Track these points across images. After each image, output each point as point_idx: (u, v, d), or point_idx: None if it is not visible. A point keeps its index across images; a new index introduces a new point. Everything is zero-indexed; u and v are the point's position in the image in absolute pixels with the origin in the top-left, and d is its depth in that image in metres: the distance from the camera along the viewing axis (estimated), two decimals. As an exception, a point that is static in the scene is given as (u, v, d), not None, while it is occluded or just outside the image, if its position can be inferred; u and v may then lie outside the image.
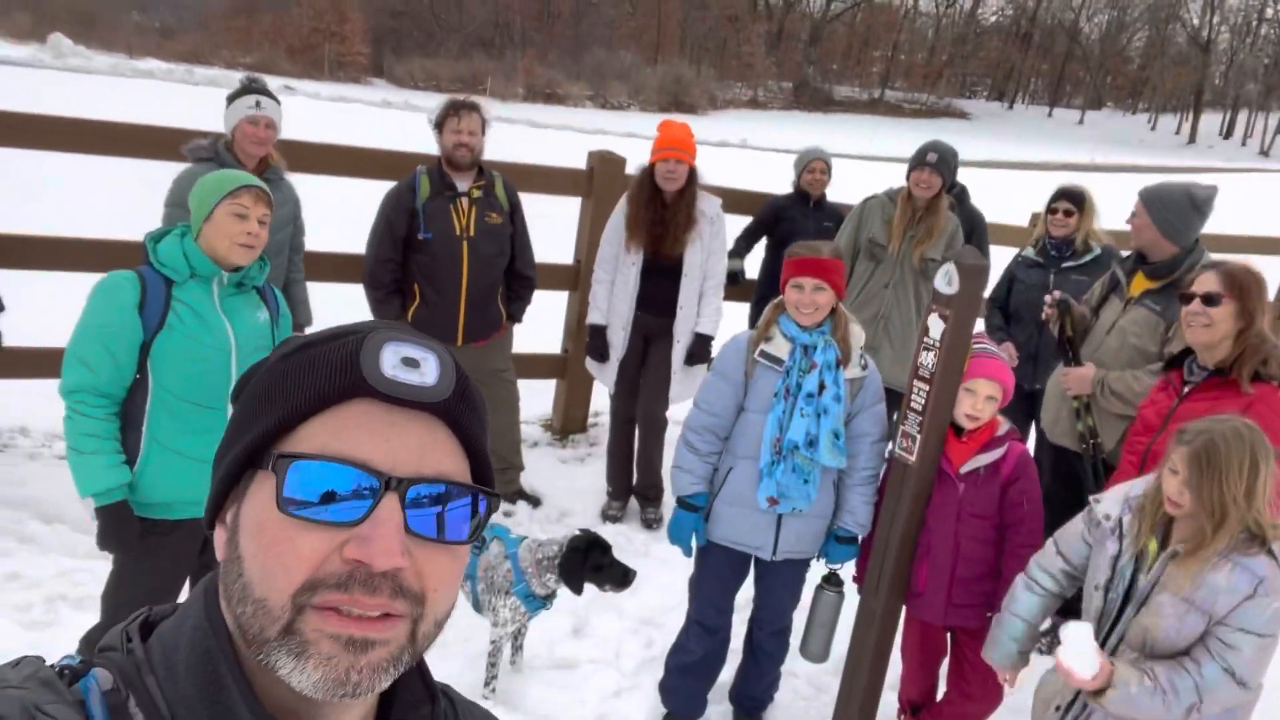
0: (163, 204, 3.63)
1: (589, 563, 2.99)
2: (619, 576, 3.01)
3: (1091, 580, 2.40)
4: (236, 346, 2.42)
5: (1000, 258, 4.47)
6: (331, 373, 0.68)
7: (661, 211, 4.22)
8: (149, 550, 2.42)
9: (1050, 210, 4.41)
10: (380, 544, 0.64)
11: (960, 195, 5.13)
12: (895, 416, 3.00)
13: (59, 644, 2.99)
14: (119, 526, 2.36)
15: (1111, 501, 2.40)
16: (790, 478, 2.81)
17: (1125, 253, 3.83)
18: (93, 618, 3.07)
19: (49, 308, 4.11)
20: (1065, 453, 3.64)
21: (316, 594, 0.64)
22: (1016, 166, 28.33)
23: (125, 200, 6.18)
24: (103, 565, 3.46)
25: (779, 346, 2.84)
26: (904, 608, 3.02)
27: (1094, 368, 3.44)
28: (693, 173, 4.25)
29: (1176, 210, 3.37)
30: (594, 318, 4.45)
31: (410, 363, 0.69)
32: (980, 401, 2.73)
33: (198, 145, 3.72)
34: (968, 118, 65.93)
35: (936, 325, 2.71)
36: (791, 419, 2.79)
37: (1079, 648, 2.17)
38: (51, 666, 0.65)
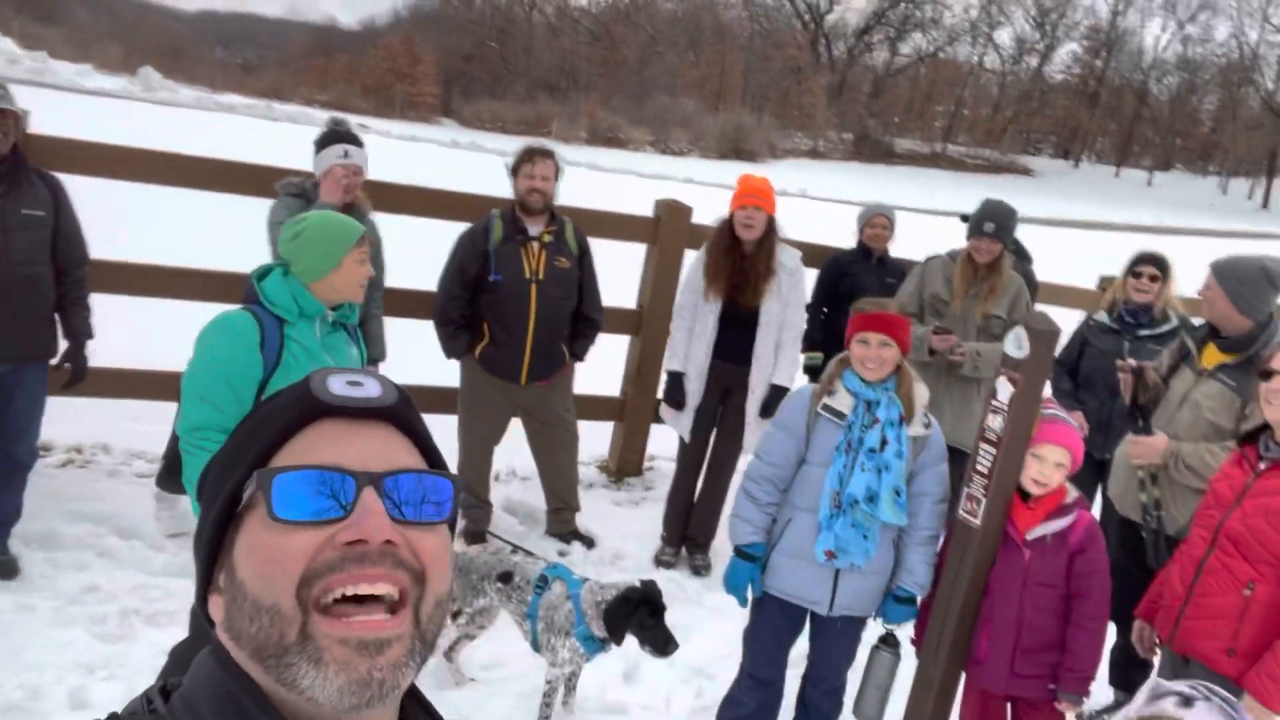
0: (269, 227, 3.81)
1: (635, 618, 2.98)
2: (660, 642, 2.97)
3: None
4: None
5: (1064, 319, 4.43)
6: (288, 407, 0.76)
7: (740, 261, 4.28)
8: None
9: (1134, 274, 4.31)
10: (371, 521, 0.70)
11: (1018, 253, 5.06)
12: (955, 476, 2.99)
13: (132, 657, 3.10)
14: None
15: None
16: (849, 532, 2.81)
17: (1197, 321, 3.77)
18: (165, 633, 3.19)
19: (126, 330, 4.32)
20: (1132, 524, 3.57)
21: (317, 582, 0.69)
22: (1081, 226, 27.94)
23: (209, 230, 6.46)
24: (175, 583, 3.60)
25: (842, 400, 2.87)
26: (963, 674, 2.97)
27: (1165, 438, 3.38)
28: (771, 222, 4.32)
29: (1251, 284, 3.32)
30: (672, 365, 4.50)
31: (354, 383, 0.77)
32: (1048, 468, 2.71)
33: (289, 182, 3.91)
34: (1032, 174, 65.30)
35: (1005, 388, 2.71)
36: (853, 473, 2.81)
37: None
38: None
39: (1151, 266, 4.27)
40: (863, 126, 69.88)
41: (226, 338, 2.45)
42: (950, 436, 3.10)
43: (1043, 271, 5.56)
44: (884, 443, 2.82)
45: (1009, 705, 2.95)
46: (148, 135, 7.32)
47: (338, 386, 0.76)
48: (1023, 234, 5.24)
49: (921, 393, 2.94)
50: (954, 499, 2.93)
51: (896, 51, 78.13)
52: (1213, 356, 3.44)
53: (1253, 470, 2.81)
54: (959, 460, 4.28)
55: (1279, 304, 3.44)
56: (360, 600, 0.70)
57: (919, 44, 78.36)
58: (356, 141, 3.95)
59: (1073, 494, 2.81)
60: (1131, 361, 3.57)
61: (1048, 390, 3.94)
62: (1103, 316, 4.44)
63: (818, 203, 21.91)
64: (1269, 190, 62.49)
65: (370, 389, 0.77)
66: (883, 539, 2.87)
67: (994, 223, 4.41)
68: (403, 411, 0.79)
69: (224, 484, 0.76)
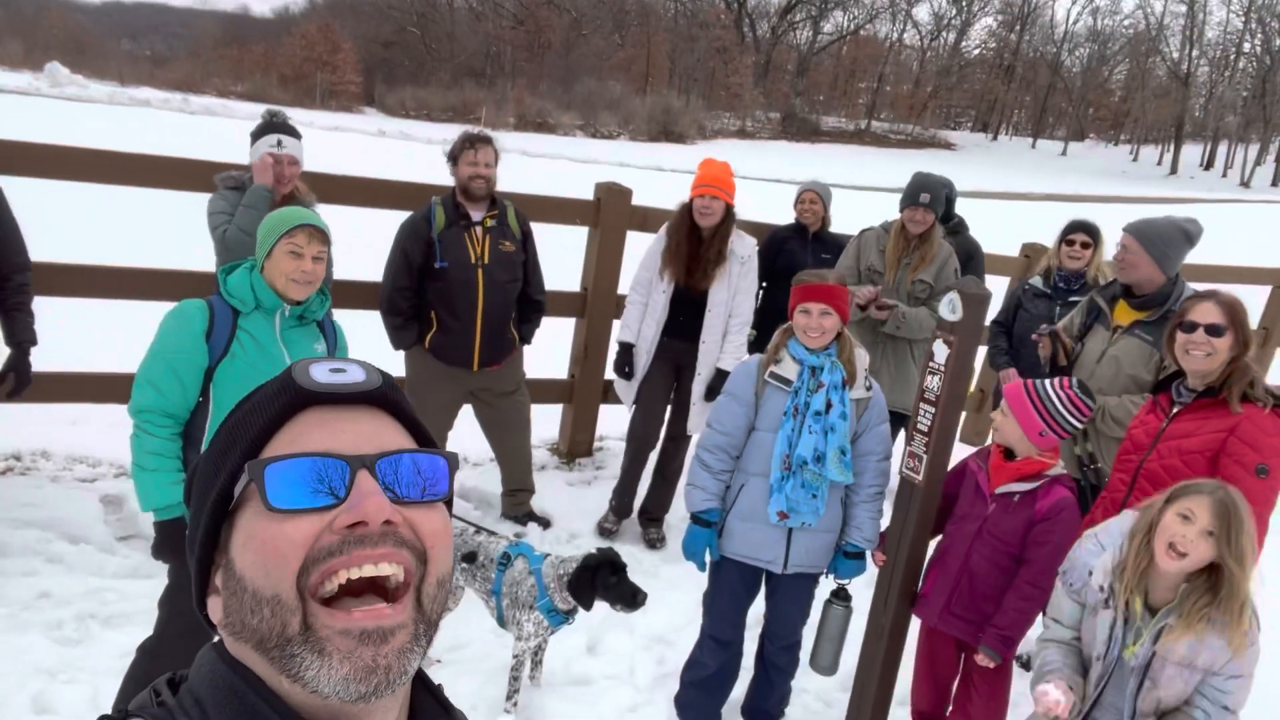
0: (210, 217, 3.77)
1: (598, 580, 3.08)
2: (628, 596, 3.08)
3: (1091, 648, 2.51)
4: None
5: (991, 286, 4.65)
6: (273, 399, 0.75)
7: (695, 245, 4.38)
8: None
9: (1067, 242, 4.55)
10: (371, 501, 0.70)
11: (958, 227, 5.33)
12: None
13: (91, 660, 3.07)
14: (176, 540, 2.47)
15: (1101, 572, 2.49)
16: (800, 493, 2.95)
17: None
18: (124, 635, 3.17)
19: (65, 333, 4.22)
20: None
21: (316, 567, 0.68)
22: (1002, 197, 28.74)
23: (143, 229, 6.30)
24: (130, 584, 3.57)
25: (788, 368, 3.00)
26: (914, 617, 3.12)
27: None
28: (729, 210, 4.41)
29: (1173, 243, 3.53)
30: (623, 335, 4.60)
31: (337, 370, 0.77)
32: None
33: (229, 175, 3.86)
34: (953, 148, 66.83)
35: (941, 350, 2.86)
36: (800, 436, 2.94)
37: None
38: None
39: (1083, 234, 4.52)
40: (789, 105, 70.59)
41: (175, 324, 2.47)
42: (888, 400, 3.24)
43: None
44: (829, 405, 2.95)
45: (961, 656, 3.10)
46: (62, 133, 7.09)
47: (320, 374, 0.75)
48: (959, 206, 5.44)
49: (862, 357, 3.08)
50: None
51: (819, 30, 79.00)
52: (1126, 314, 3.64)
53: (1166, 415, 3.02)
54: (897, 422, 4.48)
55: None
56: (357, 593, 0.70)
57: (840, 22, 79.38)
58: (293, 133, 3.91)
59: (1059, 469, 2.91)
60: (1045, 327, 3.78)
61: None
62: (1037, 281, 4.68)
63: (749, 181, 22.15)
64: (1177, 156, 65.05)
65: (354, 374, 0.77)
66: (831, 498, 3.01)
67: (929, 193, 4.60)
68: (389, 395, 0.78)
69: (213, 484, 0.75)
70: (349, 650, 0.67)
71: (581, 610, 3.15)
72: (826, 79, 77.57)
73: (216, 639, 0.75)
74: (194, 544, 0.76)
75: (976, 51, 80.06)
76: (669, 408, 4.71)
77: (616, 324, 4.83)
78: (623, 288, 5.05)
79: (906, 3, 77.44)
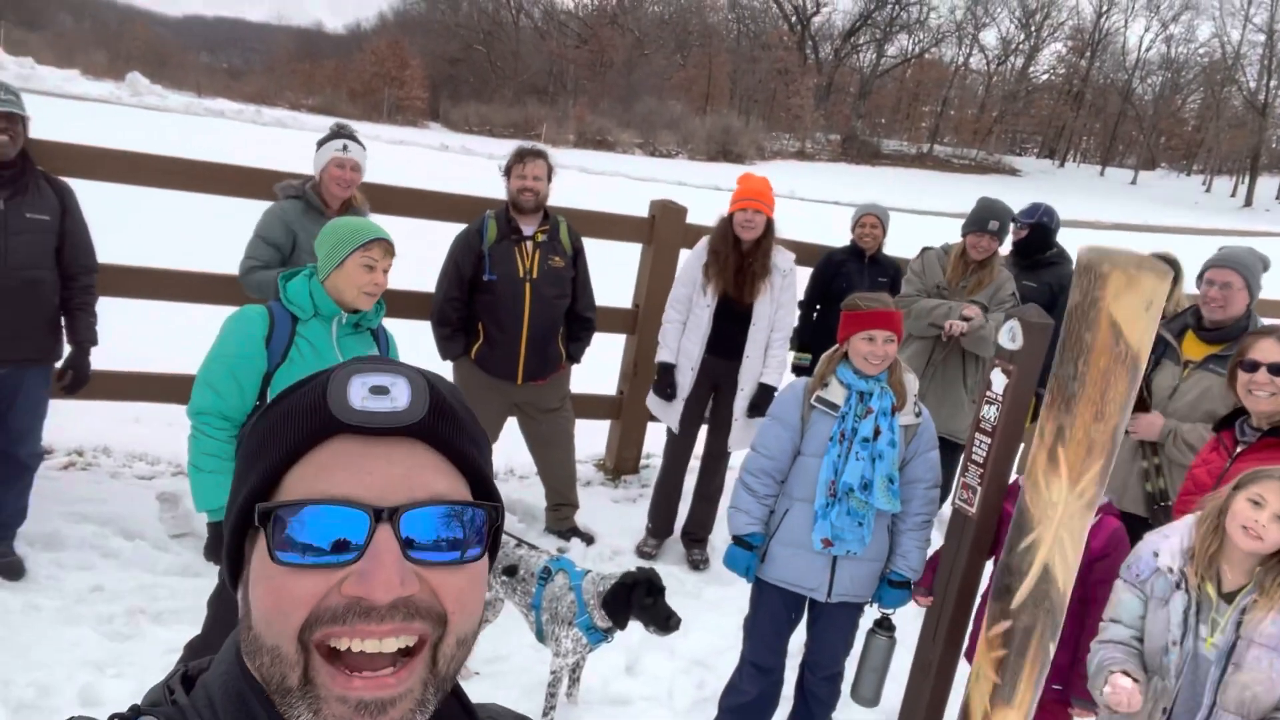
0: (253, 232, 3.85)
1: (634, 600, 3.05)
2: (662, 619, 3.04)
3: (1162, 639, 2.36)
4: None
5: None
6: (303, 418, 0.68)
7: (739, 259, 4.35)
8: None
9: None
10: (378, 577, 0.63)
11: (1058, 257, 5.05)
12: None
13: (140, 655, 3.13)
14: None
15: (1169, 554, 2.40)
16: (845, 520, 2.88)
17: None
18: (172, 632, 3.22)
19: (130, 333, 4.35)
20: (1127, 520, 3.62)
21: (317, 629, 0.64)
22: (1068, 225, 28.12)
23: (206, 234, 6.48)
24: (180, 582, 3.63)
25: (835, 393, 2.95)
26: (965, 661, 3.01)
27: (1162, 416, 3.46)
28: (769, 224, 4.38)
29: (1256, 272, 3.44)
30: (663, 355, 4.56)
31: (379, 390, 0.67)
32: None
33: (288, 184, 3.94)
34: (1018, 174, 65.71)
35: (999, 379, 2.77)
36: (847, 463, 2.88)
37: None
38: None
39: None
40: (850, 128, 70.19)
41: (236, 329, 2.51)
42: (935, 426, 3.16)
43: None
44: (877, 432, 2.89)
45: None
46: (139, 140, 7.35)
47: (358, 398, 0.67)
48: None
49: (912, 383, 3.01)
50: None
51: (883, 53, 78.51)
52: (1196, 348, 3.51)
53: (1229, 454, 2.89)
54: (945, 449, 4.38)
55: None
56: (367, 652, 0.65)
57: (905, 45, 78.79)
58: (357, 141, 3.99)
59: (1103, 498, 2.80)
60: None
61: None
62: None
63: (807, 203, 22.03)
64: (1252, 187, 63.05)
65: (398, 399, 0.68)
66: (877, 526, 2.94)
67: (998, 221, 4.53)
68: (434, 426, 0.69)
69: (239, 490, 0.71)
70: (343, 717, 0.64)
71: (620, 629, 3.12)
72: (889, 102, 76.99)
73: (239, 633, 0.72)
74: (227, 544, 0.74)
75: (1045, 77, 78.77)
76: (704, 425, 4.66)
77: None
78: (675, 306, 5.02)
79: (974, 27, 76.62)
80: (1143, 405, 3.53)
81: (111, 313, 4.06)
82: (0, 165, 3.36)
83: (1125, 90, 74.35)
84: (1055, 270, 5.02)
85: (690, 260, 4.53)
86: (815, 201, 23.62)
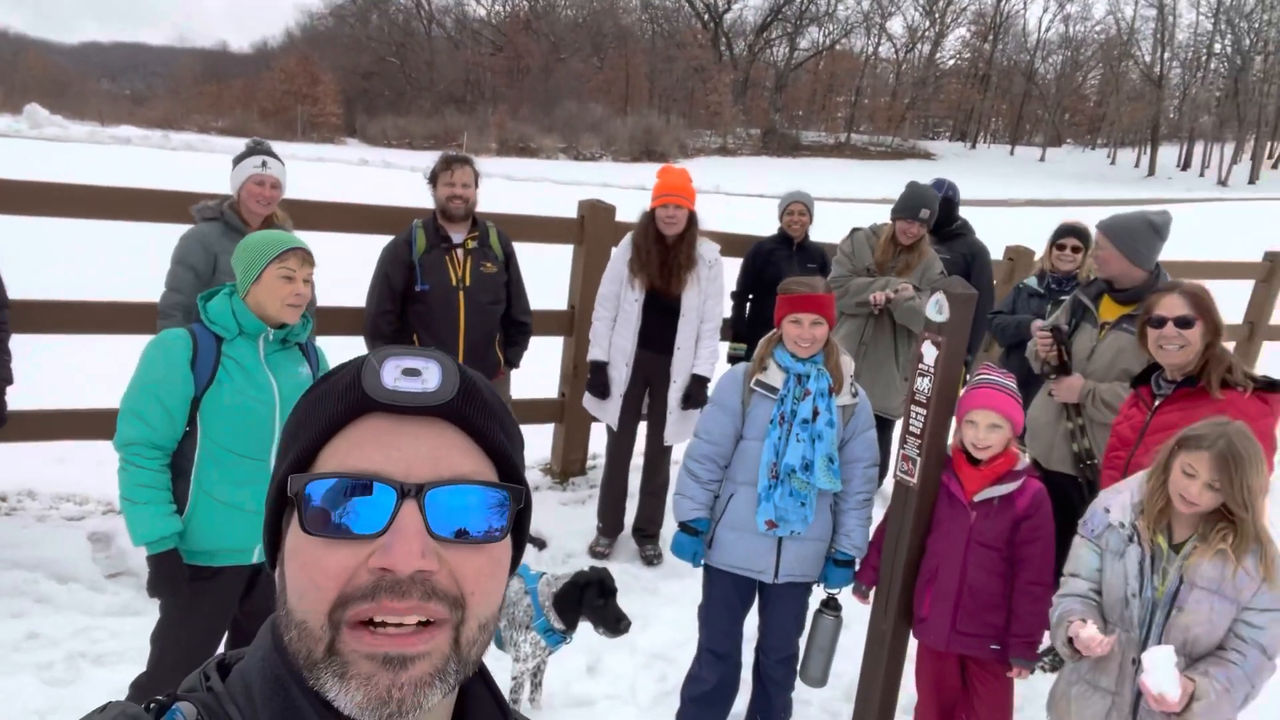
0: (170, 261, 3.73)
1: (585, 600, 3.05)
2: (612, 621, 3.06)
3: (1121, 591, 2.45)
4: (280, 400, 2.53)
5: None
6: (339, 397, 0.71)
7: (664, 251, 4.38)
8: (194, 596, 2.49)
9: (1058, 246, 4.69)
10: (401, 548, 0.65)
11: (963, 229, 5.39)
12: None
13: (84, 700, 3.01)
14: (169, 574, 2.42)
15: (1120, 509, 2.49)
16: (788, 501, 2.93)
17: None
18: (115, 673, 3.11)
19: (48, 370, 4.19)
20: (1056, 479, 3.74)
21: (348, 608, 0.65)
22: (983, 204, 28.91)
23: (121, 263, 6.27)
24: (120, 622, 3.51)
25: (774, 376, 2.99)
26: (911, 633, 3.08)
27: (1081, 377, 3.59)
28: (692, 217, 4.42)
29: (1141, 237, 3.55)
30: (594, 354, 4.56)
31: (411, 372, 0.70)
32: (982, 431, 2.80)
33: (205, 206, 3.83)
34: (932, 158, 67.36)
35: (930, 351, 2.85)
36: (788, 444, 2.93)
37: (1167, 671, 2.20)
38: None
39: (1074, 239, 4.67)
40: (769, 121, 71.13)
41: (159, 354, 2.43)
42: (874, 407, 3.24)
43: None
44: (815, 413, 2.94)
45: (960, 665, 3.06)
46: (43, 172, 7.06)
47: (390, 378, 0.69)
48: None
49: (847, 364, 3.07)
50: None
51: (795, 46, 79.75)
52: (1111, 310, 3.66)
53: (1149, 408, 3.02)
54: (879, 427, 4.50)
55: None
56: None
57: (816, 38, 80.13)
58: (276, 157, 3.90)
59: (1024, 460, 2.91)
60: (1039, 322, 3.79)
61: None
62: (1031, 282, 4.80)
63: (732, 198, 22.25)
64: (1154, 158, 65.73)
65: (429, 381, 0.70)
66: (820, 506, 3.00)
67: (929, 209, 4.67)
68: (462, 408, 0.71)
69: (279, 471, 0.73)
70: (368, 675, 0.65)
71: (570, 631, 3.12)
72: (805, 94, 78.24)
73: (276, 616, 0.73)
74: (266, 517, 0.76)
75: (951, 62, 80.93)
76: (642, 422, 4.69)
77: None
78: (609, 305, 5.04)
79: (880, 16, 78.33)
80: (1064, 368, 3.66)
81: (27, 350, 3.90)
82: (-105, 203, 3.21)
83: (1029, 71, 76.82)
84: (964, 241, 5.33)
85: (616, 257, 4.55)
86: (740, 195, 23.87)
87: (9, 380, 3.59)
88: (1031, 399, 4.26)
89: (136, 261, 5.49)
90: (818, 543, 3.04)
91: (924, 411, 2.89)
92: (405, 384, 0.70)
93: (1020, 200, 32.19)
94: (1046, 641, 3.70)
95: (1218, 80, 71.36)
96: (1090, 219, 4.13)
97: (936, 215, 4.81)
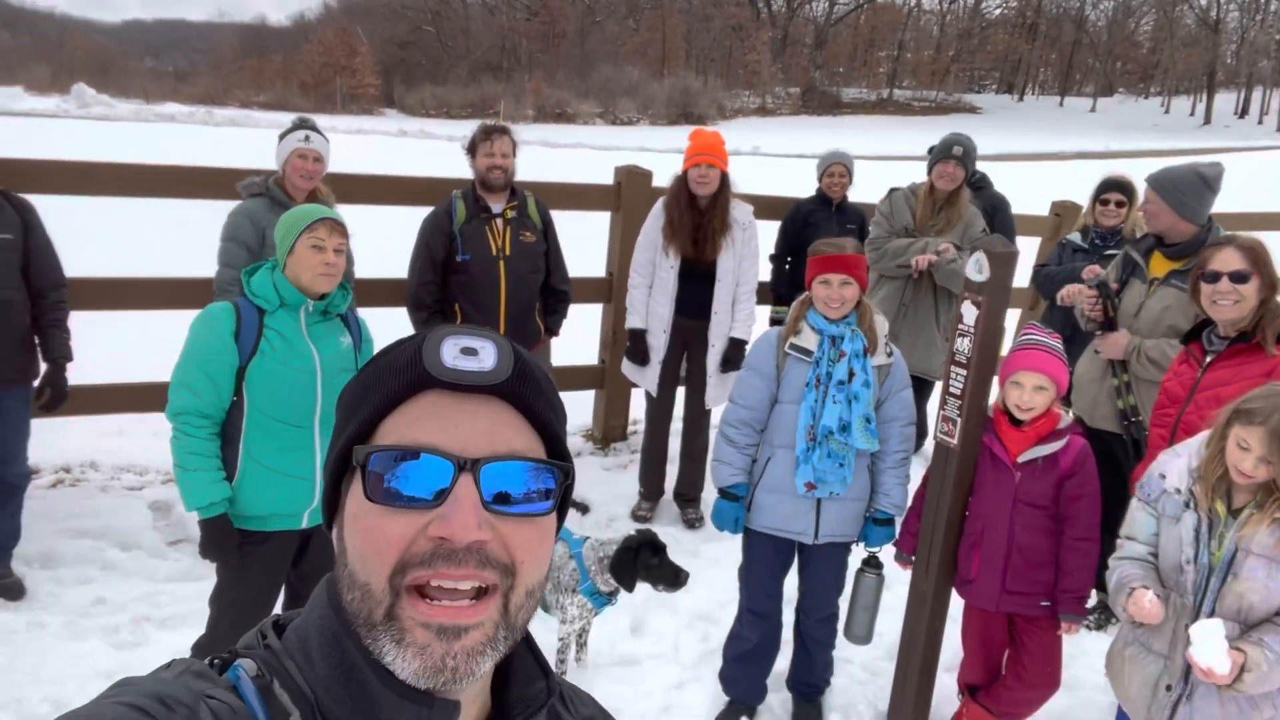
0: (220, 238, 3.81)
1: (640, 562, 3.12)
2: (670, 576, 3.14)
3: (1176, 557, 2.42)
4: (321, 369, 2.60)
5: (1023, 246, 4.60)
6: (400, 372, 0.74)
7: (697, 216, 4.37)
8: (245, 559, 2.59)
9: (1101, 201, 4.58)
10: (459, 519, 0.68)
11: (981, 182, 5.33)
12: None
13: (149, 661, 3.14)
14: (220, 537, 2.52)
15: (1176, 475, 2.46)
16: (826, 463, 2.94)
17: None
18: (179, 636, 3.25)
19: (101, 345, 4.32)
20: (1101, 436, 3.71)
21: (407, 574, 0.69)
22: (1030, 158, 28.26)
23: (171, 240, 6.41)
24: (182, 587, 3.65)
25: (808, 339, 2.99)
26: (957, 593, 3.09)
27: (1127, 333, 3.53)
28: (725, 178, 4.39)
29: (1191, 190, 3.46)
30: (632, 321, 4.58)
31: (469, 351, 0.73)
32: (1027, 393, 2.77)
33: (250, 182, 3.90)
34: (978, 112, 65.76)
35: (970, 312, 2.82)
36: (824, 406, 2.93)
37: (1215, 644, 2.19)
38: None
39: (1117, 193, 4.55)
40: (808, 79, 69.87)
41: (204, 327, 2.52)
42: (910, 365, 3.22)
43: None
44: (851, 374, 2.95)
45: (1008, 621, 3.07)
46: (91, 151, 7.22)
47: (449, 357, 0.73)
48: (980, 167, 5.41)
49: (881, 324, 3.05)
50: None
51: (835, 1, 77.96)
52: (1161, 265, 3.58)
53: (1200, 365, 2.96)
54: (919, 387, 4.47)
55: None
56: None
57: (857, -9, 78.24)
58: (318, 131, 3.96)
59: (1066, 419, 2.88)
60: (1095, 269, 3.73)
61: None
62: (1075, 237, 4.70)
63: (771, 159, 21.99)
64: (1210, 105, 63.43)
65: (485, 360, 0.73)
66: (858, 466, 3.01)
67: (961, 146, 4.60)
68: (517, 388, 0.75)
69: (338, 439, 0.76)
70: (425, 644, 0.69)
71: (624, 592, 3.18)
72: (845, 50, 76.60)
73: (331, 576, 0.76)
74: (325, 482, 0.79)
75: (997, 12, 78.56)
76: (681, 387, 4.71)
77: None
78: (648, 270, 5.04)
79: (923, -34, 76.25)
80: (1110, 324, 3.60)
81: (85, 327, 4.03)
82: (-45, 188, 3.31)
83: (1078, 18, 74.31)
84: (984, 194, 5.27)
85: (649, 223, 4.55)
86: (779, 156, 23.57)
87: (69, 357, 3.72)
88: (1075, 357, 4.21)
89: (186, 237, 5.61)
90: (856, 502, 3.05)
91: (964, 372, 2.86)
92: (463, 363, 0.73)
93: (1069, 153, 31.38)
94: (1092, 599, 3.69)
95: (1278, 23, 68.40)
96: (1142, 171, 4.01)
97: (974, 156, 4.73)
